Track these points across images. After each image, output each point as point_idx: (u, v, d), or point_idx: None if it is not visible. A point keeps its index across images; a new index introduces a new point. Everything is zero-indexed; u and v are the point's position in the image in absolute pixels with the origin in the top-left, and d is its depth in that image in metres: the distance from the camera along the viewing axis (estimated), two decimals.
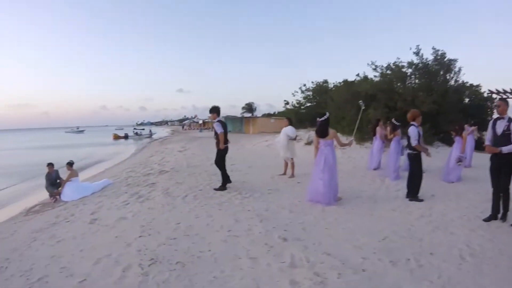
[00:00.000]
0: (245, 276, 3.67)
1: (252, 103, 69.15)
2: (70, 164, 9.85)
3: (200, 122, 74.95)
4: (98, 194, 8.99)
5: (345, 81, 24.14)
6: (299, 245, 4.47)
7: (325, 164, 6.47)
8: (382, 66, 17.51)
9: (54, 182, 9.69)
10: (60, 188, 9.46)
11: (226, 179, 8.29)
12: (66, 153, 29.73)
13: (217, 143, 8.17)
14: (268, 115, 56.86)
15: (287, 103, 36.00)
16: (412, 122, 6.81)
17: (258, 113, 65.39)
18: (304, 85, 31.88)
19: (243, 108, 68.96)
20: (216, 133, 8.19)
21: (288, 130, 9.57)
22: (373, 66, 17.61)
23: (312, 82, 31.70)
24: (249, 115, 57.79)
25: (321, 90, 29.49)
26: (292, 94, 33.01)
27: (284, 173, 9.93)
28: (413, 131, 6.65)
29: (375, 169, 10.70)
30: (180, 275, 3.78)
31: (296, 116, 27.52)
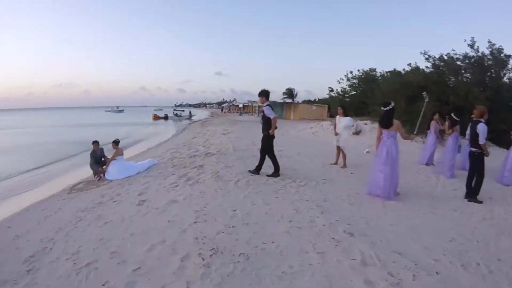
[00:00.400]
0: (316, 273, 3.48)
1: (293, 89, 68.49)
2: (116, 142, 9.76)
3: (240, 105, 74.97)
4: (143, 174, 8.92)
5: (394, 71, 23.36)
6: (366, 241, 4.28)
7: (387, 156, 6.23)
8: (435, 57, 16.85)
9: (98, 160, 9.70)
10: (104, 167, 9.48)
11: (276, 165, 7.99)
12: (107, 131, 30.69)
13: (265, 128, 7.86)
14: (309, 102, 56.23)
15: (332, 90, 35.34)
16: (480, 119, 6.48)
17: (298, 99, 64.95)
18: (351, 72, 31.10)
19: (283, 93, 68.43)
20: (264, 117, 7.85)
21: (346, 120, 9.23)
22: (426, 56, 16.93)
23: (359, 70, 30.92)
24: (289, 100, 57.26)
25: (367, 79, 28.66)
26: (338, 81, 32.31)
27: (336, 163, 9.68)
28: (483, 128, 6.32)
29: (427, 164, 10.31)
30: (246, 269, 3.56)
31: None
